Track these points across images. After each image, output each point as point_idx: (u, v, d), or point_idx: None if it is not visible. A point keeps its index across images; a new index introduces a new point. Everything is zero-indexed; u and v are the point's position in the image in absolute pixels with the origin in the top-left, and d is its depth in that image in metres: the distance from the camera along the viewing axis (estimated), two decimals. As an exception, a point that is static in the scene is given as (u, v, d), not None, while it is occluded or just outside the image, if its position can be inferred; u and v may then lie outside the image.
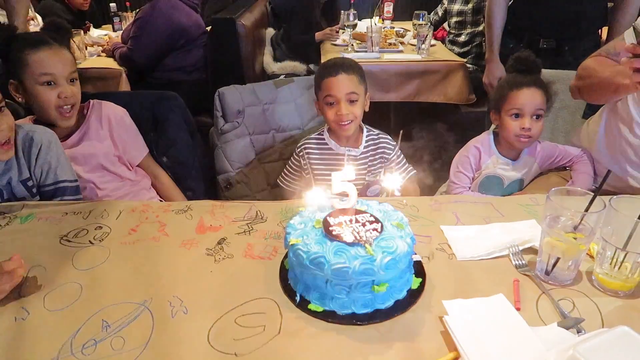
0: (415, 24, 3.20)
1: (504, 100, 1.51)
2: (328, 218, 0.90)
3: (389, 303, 0.84)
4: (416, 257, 0.96)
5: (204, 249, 1.03)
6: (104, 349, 0.78)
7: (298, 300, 0.86)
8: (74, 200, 1.30)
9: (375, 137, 1.55)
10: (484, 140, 1.61)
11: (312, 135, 1.56)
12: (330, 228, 0.87)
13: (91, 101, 1.52)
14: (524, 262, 0.96)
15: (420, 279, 0.91)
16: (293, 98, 1.75)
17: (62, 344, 0.78)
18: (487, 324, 0.77)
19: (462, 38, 3.34)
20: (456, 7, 3.34)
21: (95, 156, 1.46)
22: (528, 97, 1.47)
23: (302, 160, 1.54)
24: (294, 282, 0.90)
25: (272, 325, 0.81)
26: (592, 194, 0.87)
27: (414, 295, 0.87)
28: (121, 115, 1.52)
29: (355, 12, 3.05)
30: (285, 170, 1.59)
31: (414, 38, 3.10)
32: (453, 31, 3.42)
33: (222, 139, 1.64)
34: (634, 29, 0.93)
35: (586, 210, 0.86)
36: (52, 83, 1.36)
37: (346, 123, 1.42)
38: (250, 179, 1.68)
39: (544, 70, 1.61)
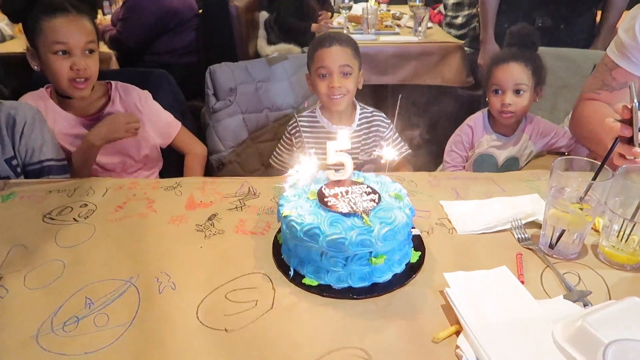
0: (411, 6, 3.14)
1: (488, 77, 1.50)
2: (323, 189, 0.86)
3: (387, 276, 0.80)
4: (415, 231, 0.92)
5: (194, 225, 0.99)
6: (86, 326, 0.73)
7: (292, 274, 0.82)
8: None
9: (369, 114, 1.50)
10: (477, 118, 1.58)
11: (304, 113, 1.51)
12: (326, 199, 0.82)
13: (113, 83, 1.45)
14: (526, 235, 0.93)
15: (419, 253, 0.87)
16: (287, 76, 1.70)
17: (42, 321, 0.74)
18: (490, 296, 0.73)
19: (459, 20, 3.28)
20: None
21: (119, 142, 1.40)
22: (506, 73, 1.45)
23: (293, 139, 1.49)
24: (287, 257, 0.86)
25: (265, 301, 0.77)
26: (599, 163, 0.84)
27: (413, 269, 0.83)
28: (145, 98, 1.46)
29: (351, -7, 2.99)
30: (277, 148, 1.55)
31: (411, 19, 3.04)
32: (450, 13, 3.35)
33: (213, 117, 1.59)
34: (630, 88, 0.81)
35: (593, 179, 0.82)
36: (66, 53, 1.28)
37: (338, 96, 1.37)
38: (243, 159, 1.64)
39: (541, 48, 1.57)
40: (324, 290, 0.78)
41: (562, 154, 1.61)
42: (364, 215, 0.77)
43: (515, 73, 1.44)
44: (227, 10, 2.78)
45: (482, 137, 1.56)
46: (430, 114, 2.50)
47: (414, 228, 0.92)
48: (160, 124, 1.49)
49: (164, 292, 0.80)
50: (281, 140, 1.55)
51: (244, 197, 1.09)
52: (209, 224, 0.99)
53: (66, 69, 1.29)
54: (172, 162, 1.56)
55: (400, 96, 0.99)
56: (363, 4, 3.10)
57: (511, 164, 1.55)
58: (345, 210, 0.79)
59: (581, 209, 0.83)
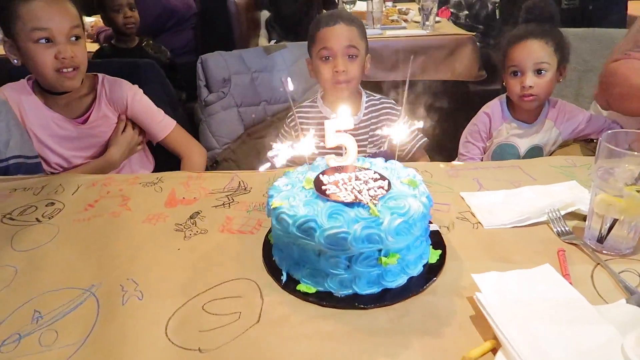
0: (419, -1, 3.00)
1: (504, 58, 1.34)
2: (321, 176, 0.71)
3: (401, 280, 0.65)
4: (433, 227, 0.77)
5: (173, 224, 0.85)
6: (29, 345, 0.59)
7: (284, 279, 0.67)
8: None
9: (377, 101, 1.35)
10: (495, 105, 1.42)
11: (305, 103, 1.37)
12: (324, 187, 0.68)
13: (100, 77, 1.32)
14: (567, 228, 0.77)
15: (439, 251, 0.72)
16: (286, 66, 1.57)
17: (-24, 340, 0.60)
18: (533, 302, 0.58)
19: (462, 20, 3.13)
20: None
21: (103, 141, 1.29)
22: (525, 51, 1.29)
23: (293, 132, 1.35)
24: (279, 259, 0.71)
25: (250, 312, 0.63)
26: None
27: (432, 271, 0.68)
28: (134, 93, 1.32)
29: (355, -12, 2.87)
30: (275, 143, 1.40)
31: (418, 14, 2.91)
32: (453, 10, 3.21)
33: (206, 111, 1.45)
34: None
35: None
36: (49, 41, 1.13)
37: (342, 81, 1.23)
38: (239, 156, 1.50)
39: (566, 30, 1.42)
40: (323, 299, 0.64)
41: (591, 142, 1.45)
42: (370, 204, 0.62)
43: (534, 51, 1.29)
44: (225, 7, 2.67)
45: (500, 126, 1.41)
46: (440, 110, 2.35)
47: (432, 223, 0.77)
48: (152, 122, 1.35)
49: (129, 303, 0.66)
50: (279, 135, 1.41)
51: (233, 193, 0.95)
52: (191, 222, 0.85)
53: (50, 59, 1.14)
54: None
55: (412, 57, 0.84)
56: (367, 2, 2.98)
57: (534, 154, 1.39)
58: (347, 199, 0.64)
59: (638, 192, 0.67)
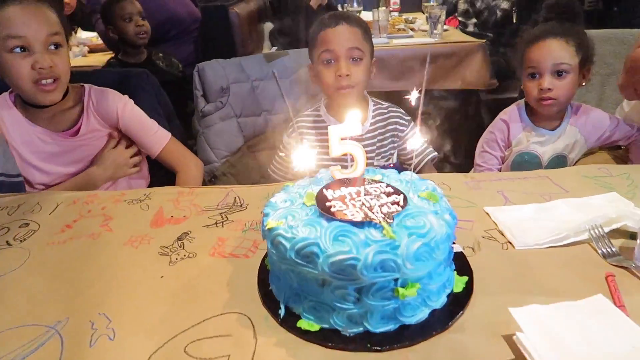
0: (425, 6, 2.93)
1: (522, 59, 1.24)
2: (324, 191, 0.61)
3: (422, 315, 0.54)
4: (457, 248, 0.66)
5: (158, 247, 0.75)
6: (-27, 399, 0.49)
7: (282, 314, 0.56)
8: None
9: (385, 110, 1.25)
10: (512, 111, 1.32)
11: (306, 112, 1.27)
12: (328, 204, 0.57)
13: (87, 87, 1.22)
14: (614, 249, 0.66)
15: (465, 278, 0.61)
16: (288, 74, 1.48)
17: None
18: (589, 343, 0.46)
19: (470, 29, 3.04)
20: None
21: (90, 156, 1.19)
22: (543, 51, 1.18)
23: (293, 143, 1.25)
24: (277, 288, 0.60)
25: (240, 356, 0.52)
26: None
27: (458, 303, 0.57)
28: (125, 104, 1.23)
29: (359, -1, 2.80)
30: (276, 156, 1.31)
31: (425, 23, 2.83)
32: (461, 19, 3.13)
33: (203, 122, 1.36)
34: None
35: None
36: (25, 49, 1.04)
37: (346, 87, 1.13)
38: (239, 170, 1.40)
39: (588, 31, 1.32)
40: (328, 338, 0.53)
41: (618, 148, 1.34)
42: (384, 224, 0.52)
43: (553, 50, 1.18)
44: (227, 17, 2.61)
45: (519, 134, 1.30)
46: (449, 120, 2.25)
47: (455, 243, 0.66)
48: (146, 134, 1.26)
49: (98, 343, 0.55)
50: (280, 147, 1.31)
51: (228, 210, 0.85)
52: (178, 245, 0.75)
53: (27, 70, 1.04)
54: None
55: (428, 60, 0.74)
56: (373, 10, 2.91)
57: (558, 164, 1.28)
58: (356, 218, 0.54)
59: None
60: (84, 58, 2.77)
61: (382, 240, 0.51)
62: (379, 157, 1.24)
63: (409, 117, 1.27)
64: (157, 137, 1.26)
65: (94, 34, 3.42)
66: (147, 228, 0.80)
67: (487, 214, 0.78)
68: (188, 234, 0.78)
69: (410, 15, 3.29)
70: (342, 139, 0.64)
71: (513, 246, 0.69)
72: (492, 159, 1.32)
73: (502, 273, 0.63)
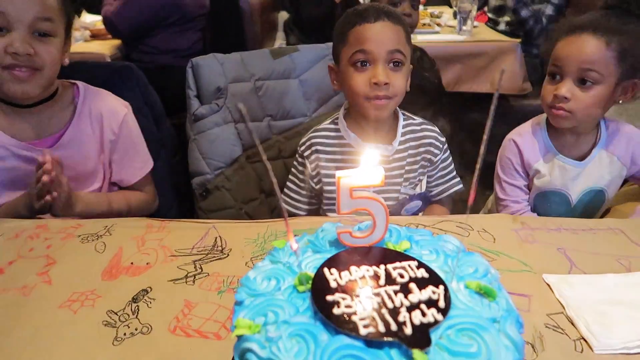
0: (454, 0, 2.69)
1: (549, 53, 0.98)
2: (326, 272, 0.41)
3: None
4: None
5: (104, 311, 0.56)
6: None
7: None
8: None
9: (417, 127, 1.03)
10: (526, 132, 1.05)
11: (323, 125, 1.05)
12: (330, 297, 0.38)
13: (79, 85, 1.02)
14: None
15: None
16: (297, 73, 1.28)
17: None
18: None
19: (501, 27, 2.79)
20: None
21: (78, 164, 0.98)
22: (572, 47, 0.92)
23: (309, 165, 1.04)
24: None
25: None
26: None
27: None
28: (125, 117, 1.03)
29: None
30: (288, 182, 1.10)
31: (452, 18, 2.61)
32: (492, 16, 2.87)
33: (195, 127, 1.17)
34: None
35: None
36: (2, 29, 0.86)
37: (382, 97, 0.92)
38: (236, 184, 1.21)
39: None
40: None
41: None
42: (417, 352, 0.32)
43: (585, 50, 0.91)
44: (238, 6, 2.42)
45: (536, 162, 1.03)
46: (474, 129, 2.03)
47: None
48: (131, 161, 1.07)
49: None
50: (292, 169, 1.10)
51: (204, 257, 0.66)
52: (131, 310, 0.56)
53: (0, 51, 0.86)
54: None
55: (500, 76, 0.53)
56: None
57: (594, 201, 1.03)
58: (371, 332, 0.34)
59: None
60: (85, 43, 2.60)
61: (412, 379, 0.31)
62: (407, 182, 1.02)
63: (444, 138, 1.05)
64: (142, 170, 1.08)
65: (100, 17, 3.25)
66: (96, 280, 0.62)
67: (549, 286, 0.58)
68: (147, 292, 0.59)
69: (436, 9, 3.06)
70: (353, 189, 0.44)
71: (590, 347, 0.49)
72: (515, 190, 1.05)
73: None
